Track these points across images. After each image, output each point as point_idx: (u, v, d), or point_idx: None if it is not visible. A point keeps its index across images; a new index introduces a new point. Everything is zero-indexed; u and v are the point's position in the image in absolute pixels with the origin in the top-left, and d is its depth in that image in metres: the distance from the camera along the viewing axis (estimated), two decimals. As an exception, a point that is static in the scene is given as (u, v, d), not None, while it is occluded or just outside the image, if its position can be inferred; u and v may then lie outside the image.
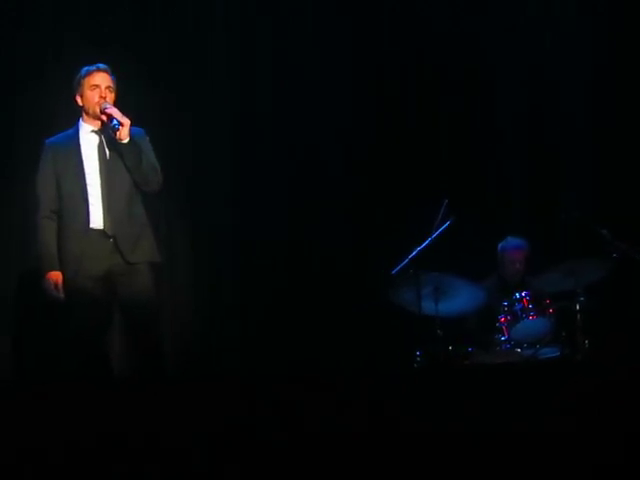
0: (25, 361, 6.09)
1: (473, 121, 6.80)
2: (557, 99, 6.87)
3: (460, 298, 5.89)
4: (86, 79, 4.95)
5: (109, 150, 4.91)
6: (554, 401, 3.24)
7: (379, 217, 6.54)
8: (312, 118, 6.60)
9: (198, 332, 6.31)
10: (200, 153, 6.44)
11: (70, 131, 5.03)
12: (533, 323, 5.93)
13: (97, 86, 4.92)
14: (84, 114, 4.98)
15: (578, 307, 5.71)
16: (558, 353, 5.82)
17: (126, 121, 4.79)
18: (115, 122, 4.79)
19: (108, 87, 4.94)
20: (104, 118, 4.87)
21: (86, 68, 4.97)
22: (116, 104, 4.89)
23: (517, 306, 5.95)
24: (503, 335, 5.99)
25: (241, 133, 6.50)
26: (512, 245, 6.35)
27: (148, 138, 5.03)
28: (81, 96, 4.96)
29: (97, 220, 4.85)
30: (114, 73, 4.98)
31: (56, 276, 4.84)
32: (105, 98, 4.90)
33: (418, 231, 5.77)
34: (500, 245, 6.38)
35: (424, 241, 5.73)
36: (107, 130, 4.88)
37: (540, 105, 6.87)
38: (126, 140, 4.82)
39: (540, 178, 6.74)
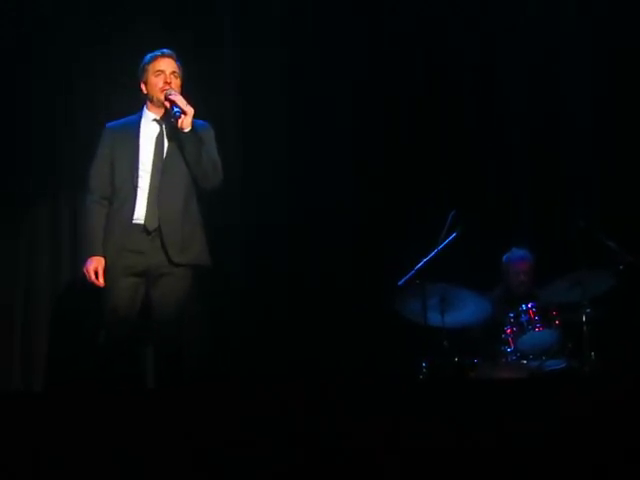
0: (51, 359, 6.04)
1: (479, 133, 6.79)
2: (564, 110, 6.87)
3: (466, 309, 5.88)
4: (150, 65, 4.82)
5: (169, 141, 4.76)
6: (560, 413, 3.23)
7: (385, 228, 6.53)
8: (317, 128, 6.59)
9: (207, 338, 6.28)
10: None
11: (133, 117, 4.91)
12: (539, 335, 5.92)
13: (162, 72, 4.79)
14: (148, 102, 4.84)
15: (584, 318, 5.68)
16: (564, 365, 5.80)
17: (190, 110, 4.65)
18: (177, 109, 4.65)
19: (173, 72, 4.80)
20: (167, 105, 4.72)
21: (150, 54, 4.86)
22: (183, 91, 4.77)
23: (523, 317, 5.94)
24: (509, 346, 5.98)
25: (249, 137, 6.47)
26: (517, 256, 6.34)
27: (213, 132, 4.90)
28: (145, 83, 4.83)
29: (141, 214, 4.70)
30: (180, 59, 4.86)
31: (97, 261, 4.70)
32: (170, 84, 4.76)
33: (424, 242, 5.78)
34: (505, 256, 6.37)
35: (430, 252, 5.73)
36: (168, 118, 4.73)
37: (546, 116, 6.86)
38: (187, 130, 4.66)
39: (546, 189, 6.73)
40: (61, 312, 6.06)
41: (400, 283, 5.77)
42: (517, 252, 6.35)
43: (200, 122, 4.81)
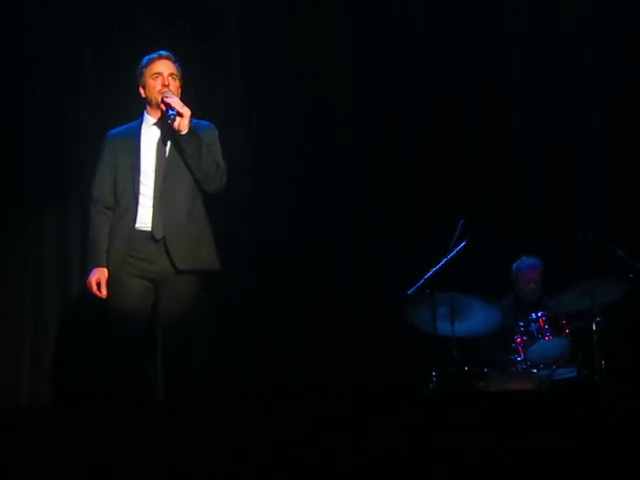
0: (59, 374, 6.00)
1: (489, 141, 6.79)
2: (573, 119, 6.87)
3: (476, 318, 5.88)
4: (148, 68, 4.69)
5: (170, 145, 4.64)
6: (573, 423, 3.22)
7: (395, 237, 6.53)
8: (325, 138, 6.59)
9: (217, 351, 6.27)
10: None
11: (134, 123, 4.79)
12: (549, 344, 5.91)
13: (159, 74, 4.66)
14: (148, 106, 4.73)
15: (594, 327, 5.67)
16: (575, 374, 5.79)
17: (186, 111, 4.53)
18: (171, 112, 4.52)
19: (171, 74, 4.68)
20: (163, 108, 4.60)
21: (148, 56, 4.73)
22: (183, 93, 4.67)
23: (533, 326, 5.93)
24: (519, 356, 5.97)
25: (259, 148, 6.47)
26: (527, 265, 6.34)
27: (217, 134, 4.77)
28: (144, 87, 4.71)
29: (145, 221, 4.59)
30: (178, 61, 4.75)
31: (100, 272, 4.60)
32: (168, 86, 4.63)
33: (434, 251, 5.78)
34: (515, 265, 6.37)
35: (440, 261, 5.73)
36: (166, 121, 4.60)
37: (555, 124, 6.86)
38: (184, 132, 4.54)
39: (555, 198, 6.72)
40: (70, 323, 6.04)
41: (410, 292, 5.77)
42: (527, 261, 6.34)
43: (205, 123, 4.72)
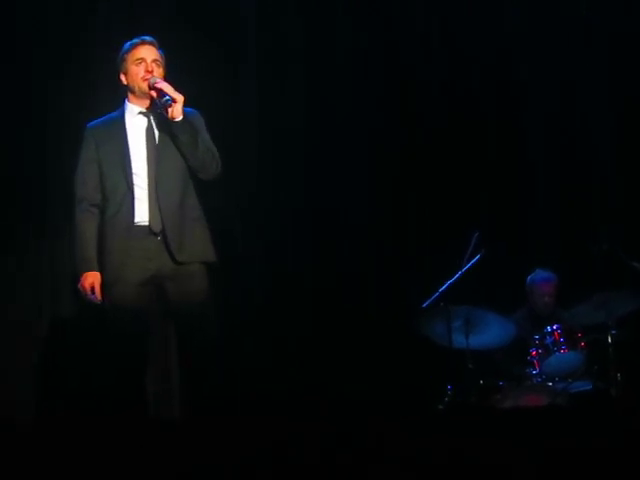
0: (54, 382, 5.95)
1: (504, 154, 6.79)
2: (588, 131, 6.87)
3: (491, 331, 5.87)
4: (130, 53, 4.45)
5: (159, 133, 4.41)
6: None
7: (410, 250, 6.53)
8: (341, 148, 6.60)
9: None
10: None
11: (114, 114, 4.52)
12: (565, 357, 5.88)
13: (142, 59, 4.42)
14: (129, 94, 4.47)
15: (610, 340, 5.66)
16: (591, 387, 5.77)
17: (179, 97, 4.30)
18: (167, 97, 4.27)
19: (155, 60, 4.44)
20: (153, 94, 4.35)
21: (129, 42, 4.49)
22: (166, 80, 4.40)
23: (548, 339, 5.91)
24: (534, 369, 5.95)
25: (269, 155, 6.46)
26: (541, 278, 6.33)
27: (204, 120, 4.54)
28: (125, 73, 4.45)
29: (143, 215, 4.34)
30: (162, 47, 4.50)
31: (93, 277, 4.34)
32: (152, 72, 4.39)
33: (449, 264, 5.77)
34: (529, 278, 6.36)
35: (455, 274, 5.73)
36: (157, 109, 4.39)
37: (570, 136, 6.86)
38: (179, 118, 4.31)
39: (570, 210, 6.72)
40: (81, 333, 6.02)
41: (424, 305, 5.77)
42: (541, 273, 6.33)
43: (188, 110, 4.43)
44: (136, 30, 4.85)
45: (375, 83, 6.75)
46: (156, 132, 4.43)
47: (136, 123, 4.46)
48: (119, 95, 4.59)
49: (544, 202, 6.85)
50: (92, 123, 4.54)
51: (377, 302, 6.46)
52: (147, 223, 4.35)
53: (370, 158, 6.65)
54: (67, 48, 6.05)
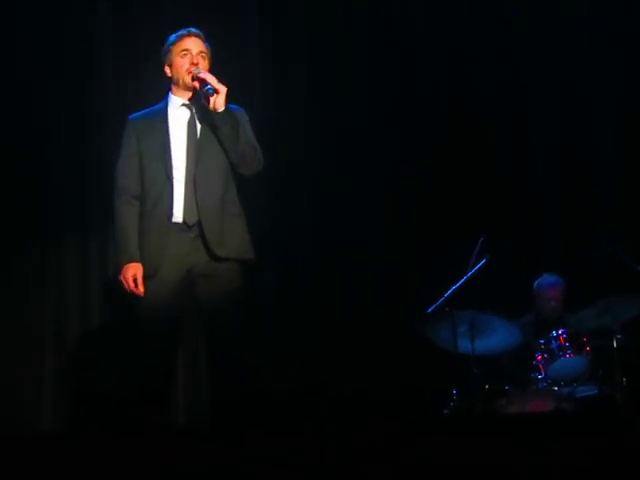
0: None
1: (509, 159, 6.80)
2: (592, 137, 6.87)
3: (496, 336, 5.87)
4: (175, 45, 4.40)
5: (202, 126, 4.35)
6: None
7: (415, 255, 6.53)
8: (346, 155, 6.61)
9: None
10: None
11: (158, 106, 4.48)
12: (570, 361, 5.87)
13: (188, 51, 4.37)
14: (173, 86, 4.42)
15: (615, 344, 5.66)
16: (596, 391, 5.76)
17: (222, 88, 4.23)
18: (209, 87, 4.22)
19: (201, 52, 4.38)
20: (196, 85, 4.30)
21: (175, 34, 4.44)
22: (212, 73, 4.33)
23: (554, 344, 5.90)
24: (540, 373, 5.95)
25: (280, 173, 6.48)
26: (548, 282, 6.32)
27: (248, 118, 4.49)
28: (170, 65, 4.41)
29: (180, 209, 4.27)
30: (208, 40, 4.46)
31: (135, 268, 4.27)
32: (197, 65, 4.34)
33: (454, 269, 5.78)
34: (536, 282, 6.35)
35: (460, 279, 5.73)
36: (199, 100, 4.33)
37: (573, 140, 6.87)
38: (221, 109, 4.24)
39: (574, 214, 6.72)
40: (91, 351, 6.04)
41: (430, 310, 5.78)
42: (549, 278, 6.33)
43: (233, 106, 4.39)
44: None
45: (375, 85, 6.76)
46: (198, 125, 4.38)
47: (179, 115, 4.41)
48: (164, 88, 4.54)
49: (550, 206, 6.85)
50: (134, 115, 4.50)
51: (382, 307, 6.45)
52: (182, 219, 4.28)
53: (375, 164, 6.65)
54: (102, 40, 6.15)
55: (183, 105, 4.41)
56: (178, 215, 4.29)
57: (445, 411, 5.79)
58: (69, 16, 6.18)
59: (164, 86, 4.54)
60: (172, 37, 4.45)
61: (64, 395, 5.98)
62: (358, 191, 6.58)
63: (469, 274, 5.73)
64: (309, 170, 6.55)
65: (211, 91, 4.23)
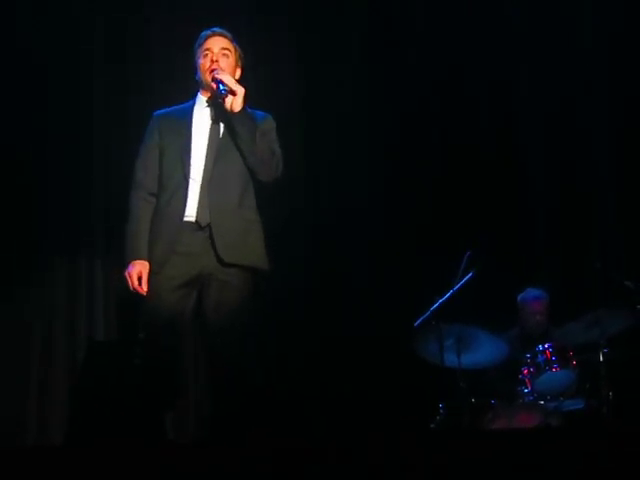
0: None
1: (496, 173, 6.80)
2: (581, 148, 6.88)
3: (483, 350, 5.87)
4: (200, 46, 4.38)
5: (223, 127, 4.29)
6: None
7: (401, 269, 6.53)
8: (337, 167, 6.61)
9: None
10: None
11: (186, 104, 4.45)
12: (556, 375, 5.88)
13: (209, 50, 4.33)
14: (200, 87, 4.40)
15: (602, 358, 5.66)
16: (582, 405, 5.77)
17: (239, 89, 4.19)
18: (222, 87, 4.17)
19: (223, 49, 4.34)
20: (214, 86, 4.23)
21: (201, 34, 4.42)
22: (243, 77, 4.34)
23: (540, 358, 5.90)
24: (526, 387, 5.94)
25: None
26: (532, 296, 6.33)
27: (275, 125, 4.41)
28: (196, 67, 4.39)
29: (193, 209, 4.20)
30: (236, 39, 4.40)
31: (141, 265, 4.20)
32: (217, 62, 4.29)
33: (440, 283, 5.78)
34: (520, 296, 6.36)
35: (446, 293, 5.73)
36: (215, 101, 4.28)
37: (564, 156, 6.88)
38: (237, 110, 4.19)
39: (563, 229, 6.73)
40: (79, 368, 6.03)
41: (416, 324, 5.78)
42: (532, 292, 6.34)
43: (261, 113, 4.38)
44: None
45: (375, 88, 6.77)
46: (221, 126, 4.31)
47: (203, 114, 4.36)
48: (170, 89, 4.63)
49: (536, 221, 6.86)
50: (159, 112, 4.46)
51: (369, 321, 6.44)
52: (194, 218, 4.21)
53: (364, 176, 6.65)
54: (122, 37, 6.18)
55: (208, 105, 4.37)
56: (191, 214, 4.21)
57: (432, 425, 5.78)
58: (69, 16, 6.19)
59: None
60: (199, 38, 4.42)
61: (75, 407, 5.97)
62: (344, 205, 6.57)
63: (456, 287, 5.73)
64: (305, 177, 6.52)
65: (224, 92, 4.19)
